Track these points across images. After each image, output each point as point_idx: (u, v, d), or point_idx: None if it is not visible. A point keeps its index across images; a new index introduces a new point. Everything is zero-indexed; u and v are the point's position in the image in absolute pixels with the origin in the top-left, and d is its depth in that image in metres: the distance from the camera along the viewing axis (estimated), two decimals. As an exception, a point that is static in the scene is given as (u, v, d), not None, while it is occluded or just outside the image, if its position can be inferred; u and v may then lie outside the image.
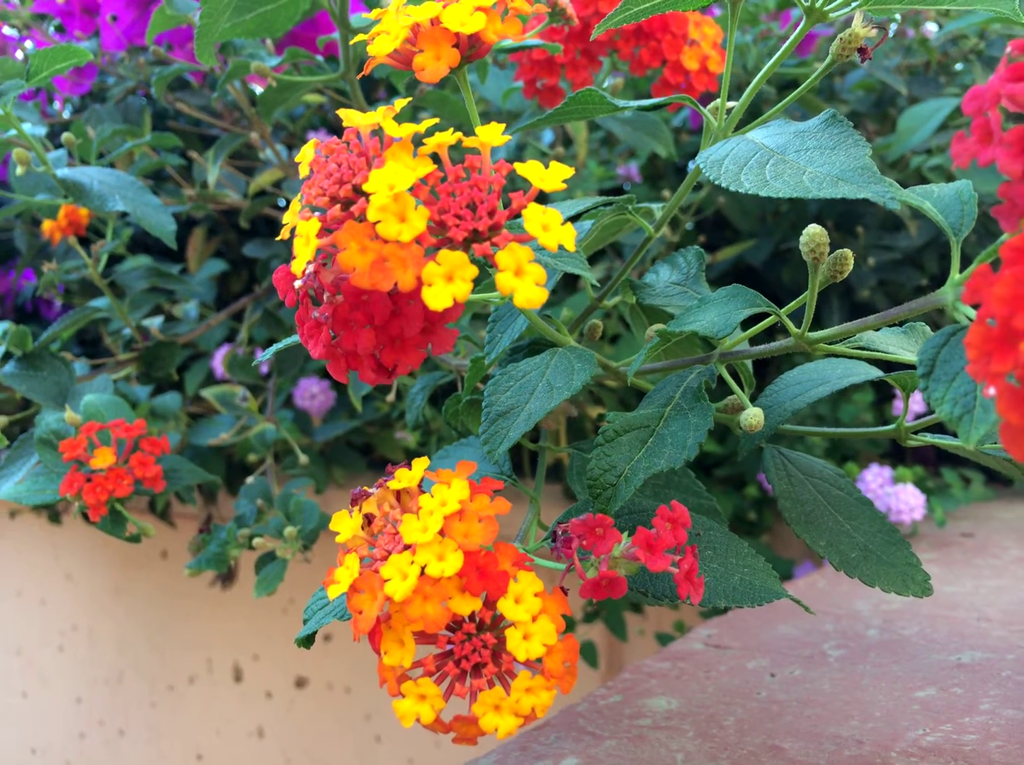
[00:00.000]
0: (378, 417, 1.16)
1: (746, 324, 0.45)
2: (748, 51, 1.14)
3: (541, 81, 0.74)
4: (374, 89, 1.23)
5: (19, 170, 0.64)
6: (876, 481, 0.98)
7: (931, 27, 1.22)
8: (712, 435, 1.12)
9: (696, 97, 0.72)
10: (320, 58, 0.73)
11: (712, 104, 0.46)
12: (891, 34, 1.20)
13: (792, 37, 0.40)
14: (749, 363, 0.47)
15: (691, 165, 1.22)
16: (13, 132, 0.68)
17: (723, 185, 0.37)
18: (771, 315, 0.41)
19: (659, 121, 0.81)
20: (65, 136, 0.72)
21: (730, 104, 0.45)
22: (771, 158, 0.37)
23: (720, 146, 0.41)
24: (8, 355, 0.72)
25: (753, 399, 0.47)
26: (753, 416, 0.38)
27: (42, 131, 0.86)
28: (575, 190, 1.12)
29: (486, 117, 1.07)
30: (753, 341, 0.45)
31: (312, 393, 1.12)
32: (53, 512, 1.57)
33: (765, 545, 1.16)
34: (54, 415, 0.61)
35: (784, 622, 0.73)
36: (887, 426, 0.45)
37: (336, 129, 1.18)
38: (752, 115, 1.09)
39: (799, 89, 0.41)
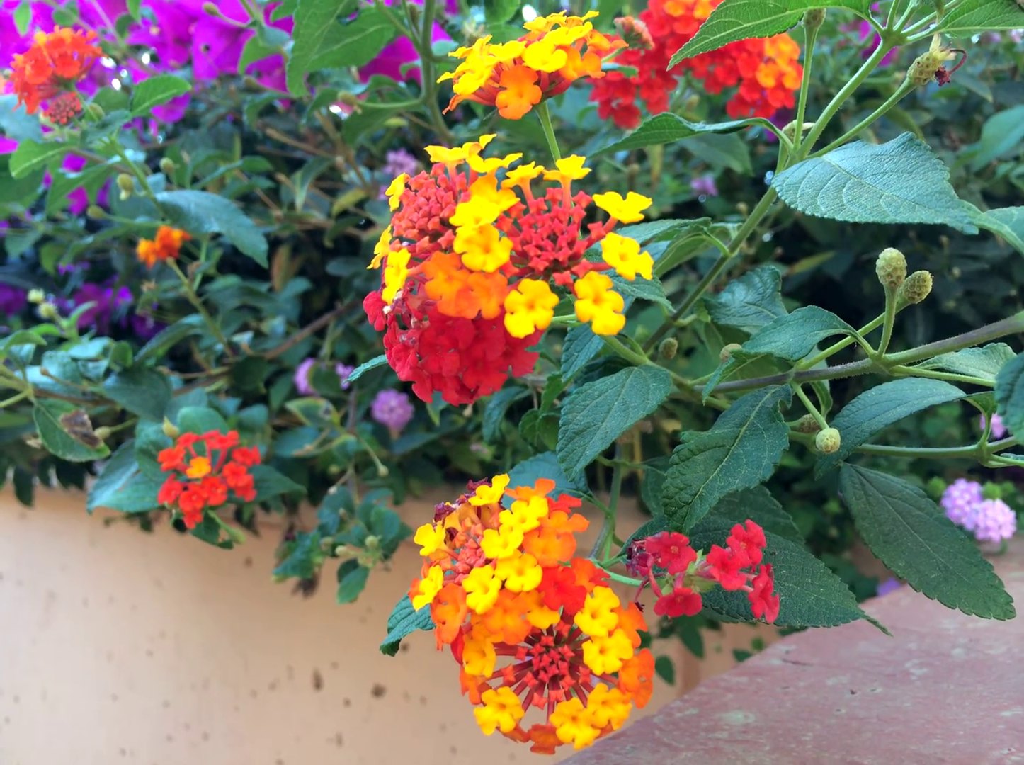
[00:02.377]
0: (454, 430, 1.18)
1: (824, 342, 0.45)
2: (825, 62, 1.12)
3: (616, 100, 0.75)
4: (447, 112, 1.26)
5: (123, 195, 0.68)
6: (963, 498, 0.95)
7: (1017, 31, 1.19)
8: (790, 450, 1.10)
9: (772, 113, 0.72)
10: (402, 84, 0.76)
11: (788, 126, 0.47)
12: (975, 39, 1.17)
13: (870, 60, 0.40)
14: (826, 383, 0.47)
15: (768, 176, 1.22)
16: (117, 159, 0.72)
17: (799, 209, 0.38)
18: (848, 335, 0.41)
19: (734, 137, 0.81)
20: (164, 162, 0.76)
21: (806, 125, 0.45)
22: (848, 181, 0.37)
23: (796, 168, 0.41)
24: (109, 370, 0.77)
25: (830, 418, 0.47)
26: (829, 437, 0.38)
27: (141, 157, 0.91)
28: (650, 206, 1.12)
29: (560, 135, 1.08)
30: (831, 360, 0.45)
31: (391, 406, 1.14)
32: (145, 520, 1.64)
33: (847, 562, 1.14)
34: (153, 427, 0.65)
35: (865, 639, 0.72)
36: (969, 446, 0.45)
37: (414, 150, 1.21)
38: (831, 126, 1.08)
39: (878, 110, 0.41)
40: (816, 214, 0.36)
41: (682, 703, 0.61)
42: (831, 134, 1.07)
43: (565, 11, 1.34)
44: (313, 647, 1.63)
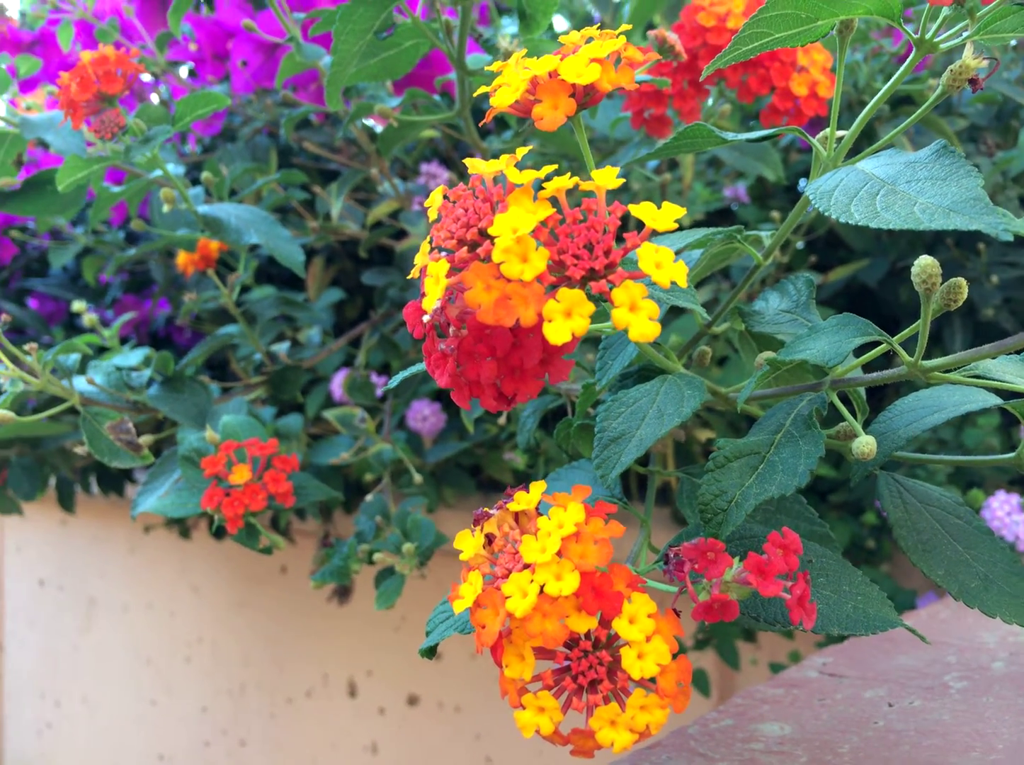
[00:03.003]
0: (487, 438, 1.19)
1: (859, 350, 0.45)
2: (858, 69, 1.12)
3: (649, 111, 0.75)
4: (482, 125, 1.27)
5: (165, 208, 0.70)
6: (1003, 509, 0.94)
7: (1056, 36, 1.17)
8: (826, 460, 1.09)
9: (805, 122, 0.72)
10: (436, 96, 0.77)
11: (821, 134, 0.47)
12: (1012, 44, 1.16)
13: (902, 69, 0.40)
14: (862, 390, 0.47)
15: (801, 183, 1.21)
16: (159, 172, 0.74)
17: (833, 216, 0.38)
18: (884, 343, 0.41)
19: (767, 145, 0.81)
20: (205, 176, 0.78)
21: (840, 133, 0.45)
22: (881, 189, 0.37)
23: (829, 176, 0.41)
24: (151, 379, 0.78)
25: (866, 426, 0.47)
26: (865, 444, 0.38)
27: (181, 171, 0.93)
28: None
29: (592, 144, 1.09)
30: (868, 367, 0.45)
31: (424, 415, 1.15)
32: (184, 527, 1.67)
33: (885, 574, 1.13)
34: (195, 434, 0.66)
35: (903, 653, 0.71)
36: (1008, 454, 0.44)
37: (447, 160, 1.23)
38: (865, 133, 1.07)
39: (912, 118, 0.41)
40: (850, 222, 0.36)
41: (717, 714, 0.61)
42: (865, 141, 1.06)
43: (599, 24, 1.35)
44: (348, 655, 1.64)
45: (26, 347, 0.65)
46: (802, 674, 0.68)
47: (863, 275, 1.14)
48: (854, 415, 0.45)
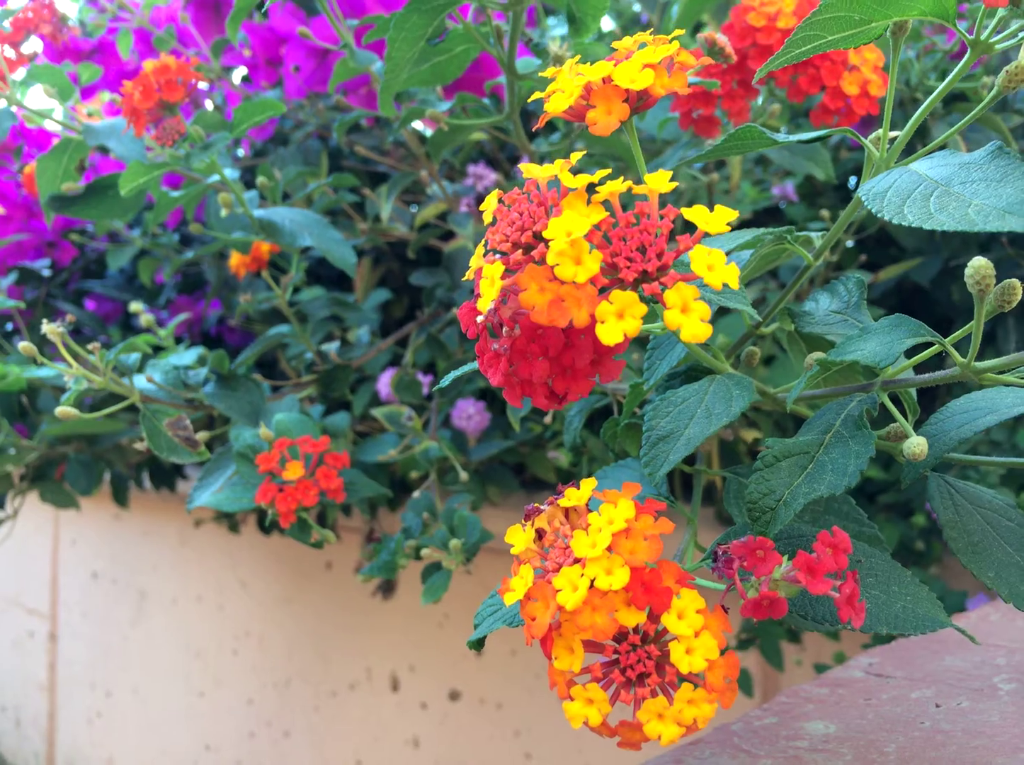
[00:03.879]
0: (531, 437, 1.20)
1: (911, 351, 0.45)
2: (911, 66, 1.10)
3: (697, 112, 0.76)
4: (529, 122, 1.28)
5: (223, 212, 0.72)
6: (1056, 513, 0.92)
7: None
8: (876, 461, 1.08)
9: (856, 121, 0.72)
10: (485, 100, 0.78)
11: (874, 134, 0.47)
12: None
13: (956, 70, 0.40)
14: (913, 391, 0.47)
15: (851, 182, 1.20)
16: (216, 178, 0.76)
17: (886, 218, 0.38)
18: (936, 344, 0.41)
19: (817, 144, 0.81)
20: (260, 180, 0.80)
21: (892, 134, 0.45)
22: (935, 190, 0.37)
23: (882, 177, 0.41)
24: (207, 377, 0.81)
25: (917, 427, 0.47)
26: (916, 445, 0.38)
27: (236, 175, 0.96)
28: (729, 213, 1.12)
29: (640, 144, 1.09)
30: (920, 368, 0.45)
31: (468, 414, 1.16)
32: (233, 522, 1.70)
33: (934, 577, 1.11)
34: (250, 431, 0.68)
35: (952, 654, 0.70)
36: (1063, 456, 0.44)
37: (493, 162, 1.24)
38: (918, 131, 1.06)
39: (967, 118, 0.41)
40: (903, 223, 0.37)
41: (761, 712, 0.61)
42: (917, 138, 1.05)
43: (646, 24, 1.35)
44: (391, 650, 1.66)
45: (89, 346, 0.67)
46: (848, 674, 0.68)
47: (915, 274, 1.12)
48: (905, 416, 0.45)
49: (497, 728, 1.51)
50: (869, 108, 0.68)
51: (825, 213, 1.08)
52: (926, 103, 0.42)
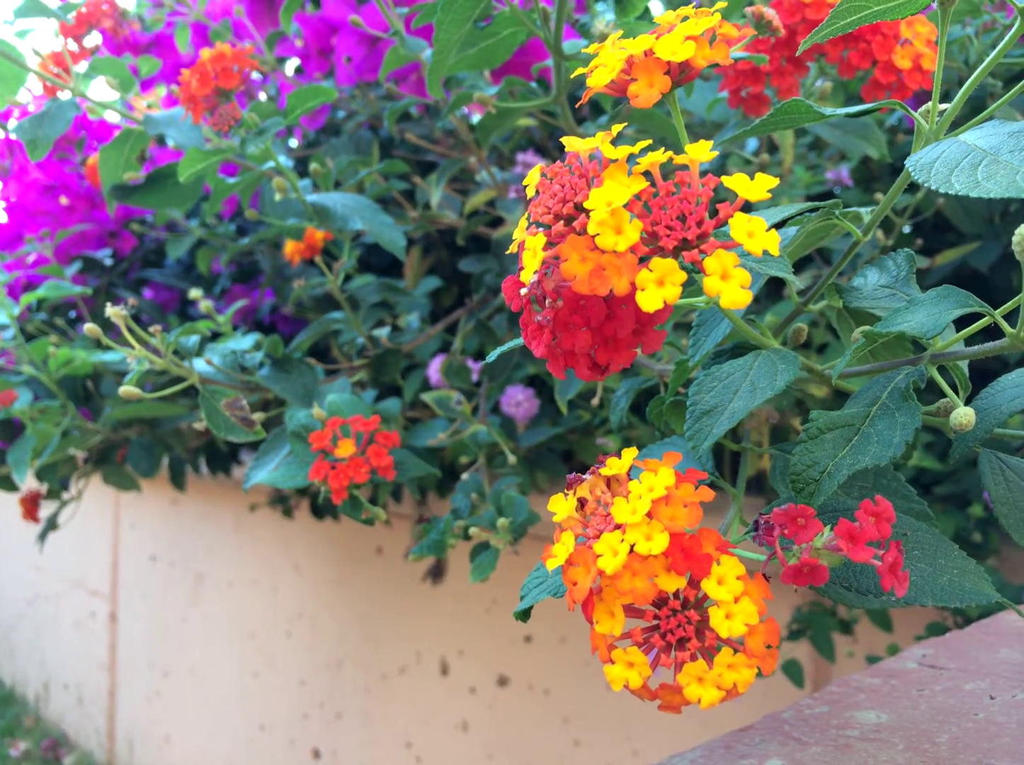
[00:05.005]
0: (579, 424, 1.20)
1: (963, 325, 0.44)
2: (970, 44, 1.08)
3: (746, 90, 0.75)
4: (579, 107, 1.28)
5: (277, 196, 0.74)
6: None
7: None
8: (932, 451, 1.06)
9: (909, 95, 0.70)
10: (532, 84, 0.79)
11: (923, 107, 0.46)
12: None
13: (1006, 40, 0.39)
14: (963, 365, 0.46)
15: (908, 162, 1.17)
16: (271, 164, 0.78)
17: (933, 187, 0.38)
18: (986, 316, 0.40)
19: (870, 123, 0.80)
20: (313, 167, 0.81)
21: (942, 106, 0.45)
22: (983, 159, 0.37)
23: (931, 149, 0.41)
24: (263, 361, 0.83)
25: (968, 402, 0.46)
26: (963, 415, 0.38)
27: (290, 163, 0.98)
28: (780, 197, 1.11)
29: (689, 129, 1.08)
30: (971, 342, 0.45)
31: (517, 401, 1.17)
32: (287, 507, 1.74)
33: (992, 568, 1.09)
34: (303, 412, 0.70)
35: (1008, 646, 0.69)
36: (1119, 433, 0.43)
37: (542, 150, 1.24)
38: (977, 110, 1.03)
39: (1015, 90, 0.40)
40: (950, 191, 0.36)
41: (812, 701, 0.61)
42: (976, 117, 1.02)
43: (695, 3, 1.34)
44: (440, 634, 1.68)
45: (151, 329, 0.70)
46: (901, 665, 0.67)
47: (973, 259, 1.10)
48: (956, 391, 0.45)
49: (545, 714, 1.52)
50: (922, 82, 0.67)
51: (880, 196, 1.06)
52: (976, 73, 0.42)
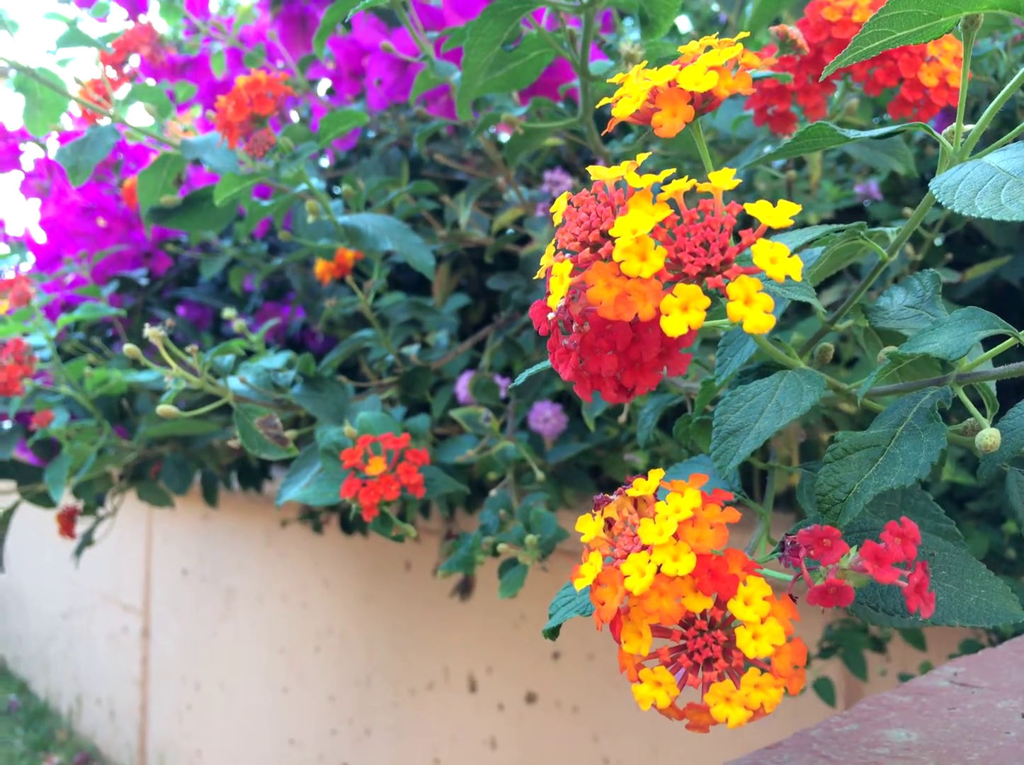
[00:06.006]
0: (607, 440, 1.20)
1: (991, 344, 0.44)
2: (999, 58, 1.07)
3: (772, 108, 0.75)
4: (603, 124, 1.28)
5: (310, 219, 0.75)
6: None
7: None
8: (964, 466, 1.05)
9: (936, 112, 0.71)
10: (560, 104, 0.80)
11: (948, 128, 0.46)
12: None
13: (1018, 76, 0.40)
14: (991, 385, 0.47)
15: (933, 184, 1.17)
16: (303, 187, 0.80)
17: (957, 210, 0.38)
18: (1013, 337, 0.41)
19: (897, 139, 0.79)
20: (344, 188, 0.83)
21: (966, 127, 0.45)
22: (1007, 182, 0.37)
23: (955, 171, 0.41)
24: (295, 379, 0.84)
25: (996, 421, 0.46)
26: (989, 436, 0.38)
27: (322, 185, 1.00)
28: (808, 212, 1.11)
29: (715, 145, 1.09)
30: (999, 363, 0.45)
31: (545, 417, 1.18)
32: (317, 522, 1.76)
33: (1025, 586, 1.08)
34: (335, 429, 0.71)
35: (1041, 664, 0.68)
36: None
37: (569, 167, 1.25)
38: (1006, 123, 1.02)
39: (1040, 110, 0.40)
40: (973, 214, 0.37)
41: (842, 719, 0.61)
42: (1006, 129, 1.01)
43: (724, 23, 1.34)
44: (468, 650, 1.68)
45: (188, 349, 0.72)
46: (931, 683, 0.67)
47: (1005, 273, 1.09)
48: (983, 410, 0.45)
49: (574, 732, 1.51)
50: (949, 99, 0.67)
51: (908, 211, 1.06)
52: (998, 98, 0.42)
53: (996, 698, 0.62)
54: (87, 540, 1.41)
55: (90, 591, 3.05)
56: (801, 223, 1.05)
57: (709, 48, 0.38)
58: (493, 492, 0.87)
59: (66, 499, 1.35)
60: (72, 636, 3.21)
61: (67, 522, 1.41)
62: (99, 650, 3.00)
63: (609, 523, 0.38)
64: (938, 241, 1.13)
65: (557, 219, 0.37)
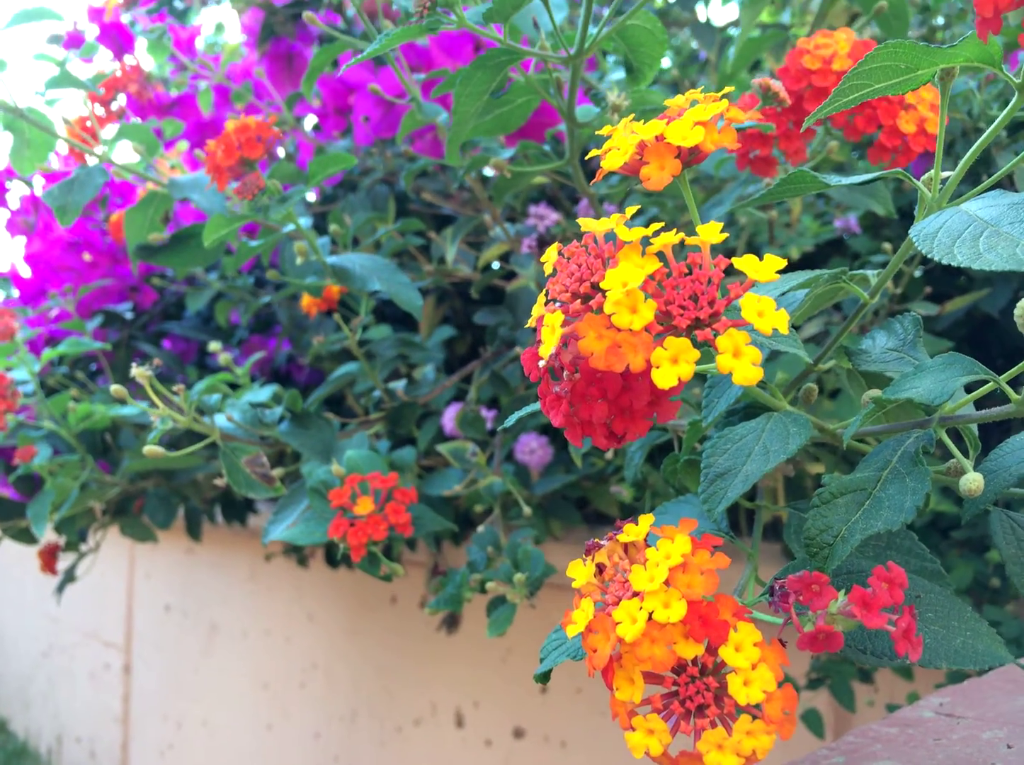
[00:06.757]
0: (594, 472, 1.21)
1: (973, 387, 0.45)
2: (973, 97, 1.10)
3: (754, 152, 0.77)
4: (589, 165, 1.30)
5: (298, 260, 0.76)
6: None
7: None
8: (949, 495, 1.06)
9: (914, 158, 0.72)
10: (546, 147, 0.81)
11: (926, 175, 0.48)
12: None
13: (1004, 113, 0.41)
14: (974, 427, 0.47)
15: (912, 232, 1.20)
16: (291, 227, 0.80)
17: (936, 258, 0.39)
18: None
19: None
20: (332, 228, 0.84)
21: (944, 174, 0.46)
22: (985, 230, 0.38)
23: (934, 218, 0.42)
24: (282, 416, 0.84)
25: (979, 462, 0.47)
26: (972, 481, 0.39)
27: (309, 222, 1.00)
28: (789, 246, 1.13)
29: (697, 182, 1.10)
30: (983, 404, 0.46)
31: (531, 448, 1.18)
32: (302, 556, 1.74)
33: (1012, 615, 1.08)
34: (322, 468, 0.71)
35: (1025, 695, 0.69)
36: None
37: (554, 200, 1.27)
38: (981, 160, 1.04)
39: (1012, 162, 0.42)
40: (953, 263, 0.37)
41: (828, 751, 0.61)
42: (983, 168, 1.03)
43: (701, 56, 1.37)
44: (455, 685, 1.67)
45: (174, 388, 0.71)
46: (917, 714, 0.67)
47: (984, 304, 1.11)
48: (966, 452, 0.46)
49: (562, 766, 1.50)
50: (927, 145, 0.69)
51: (887, 246, 1.08)
52: (972, 149, 0.43)
53: (981, 729, 0.62)
54: (69, 576, 1.39)
55: (71, 628, 3.01)
56: (782, 256, 1.07)
57: (695, 102, 0.40)
58: (480, 527, 0.87)
59: (48, 535, 1.34)
60: (53, 674, 3.15)
61: (49, 558, 1.39)
62: (80, 688, 2.94)
63: (600, 569, 0.38)
64: (918, 272, 1.15)
65: (548, 269, 0.38)
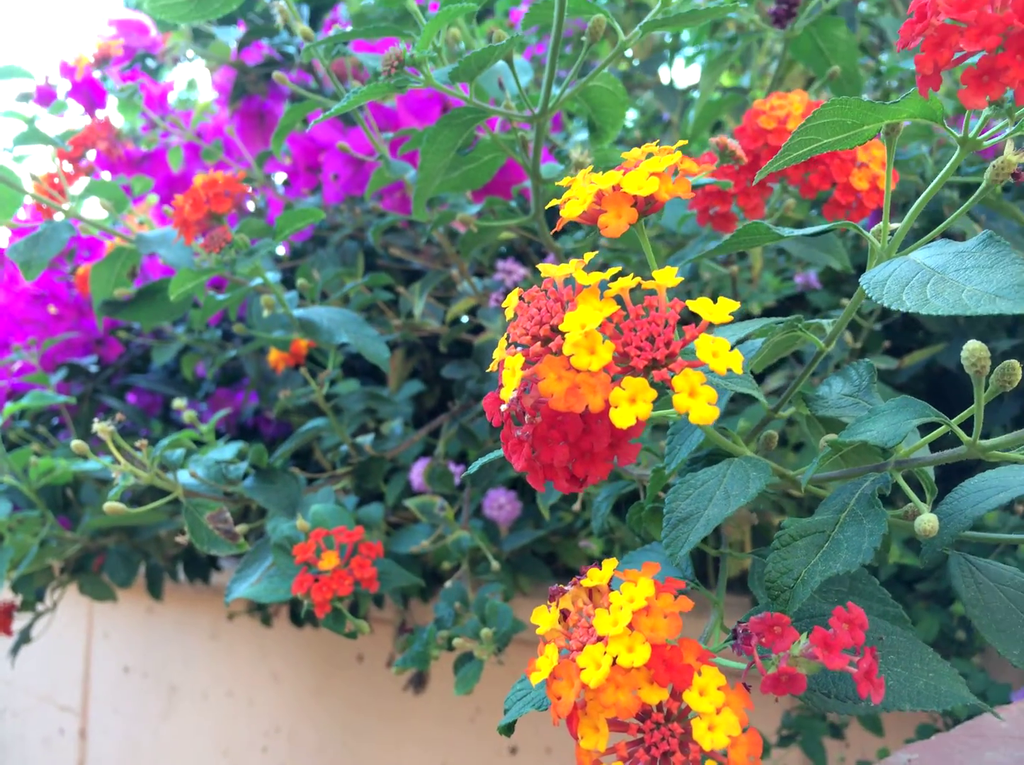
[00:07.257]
0: (562, 527, 1.20)
1: (928, 430, 0.46)
2: (925, 161, 1.14)
3: (714, 209, 0.79)
4: (555, 221, 1.32)
5: (265, 313, 0.76)
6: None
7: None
8: (913, 547, 1.07)
9: (867, 214, 0.75)
10: (513, 203, 0.82)
11: (876, 227, 0.49)
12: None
13: (947, 167, 0.43)
14: (930, 470, 0.48)
15: (863, 280, 1.23)
16: (259, 281, 0.81)
17: (886, 304, 0.40)
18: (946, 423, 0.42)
19: (831, 236, 0.84)
20: (300, 282, 0.84)
21: (893, 226, 0.48)
22: (932, 277, 0.40)
23: (883, 267, 0.44)
24: (247, 471, 0.83)
25: (936, 506, 0.48)
26: (927, 522, 0.39)
27: (277, 277, 1.01)
28: (751, 302, 1.15)
29: (662, 238, 1.13)
30: (936, 447, 0.46)
31: (500, 504, 1.17)
32: (266, 615, 1.71)
33: (978, 667, 1.08)
34: (287, 523, 0.70)
35: (992, 749, 0.69)
36: (1082, 534, 0.44)
37: (521, 256, 1.28)
38: (933, 220, 1.08)
39: (956, 212, 0.43)
40: (902, 309, 0.39)
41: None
42: (934, 228, 1.06)
43: (664, 117, 1.41)
44: (423, 745, 1.63)
45: (137, 443, 0.71)
46: (888, 769, 0.67)
47: (942, 358, 1.13)
48: (923, 495, 0.46)
49: (534, 830, 1.46)
50: (879, 201, 0.71)
51: (846, 301, 1.10)
52: (919, 200, 0.45)
53: (952, 784, 0.62)
54: (25, 637, 1.35)
55: (24, 692, 2.90)
56: (744, 313, 1.09)
57: (651, 155, 0.41)
58: (448, 583, 0.86)
59: (4, 594, 1.30)
60: (4, 739, 3.03)
61: (4, 619, 1.35)
62: (32, 754, 2.83)
63: (564, 614, 0.38)
64: (877, 326, 1.18)
65: (509, 314, 0.38)
